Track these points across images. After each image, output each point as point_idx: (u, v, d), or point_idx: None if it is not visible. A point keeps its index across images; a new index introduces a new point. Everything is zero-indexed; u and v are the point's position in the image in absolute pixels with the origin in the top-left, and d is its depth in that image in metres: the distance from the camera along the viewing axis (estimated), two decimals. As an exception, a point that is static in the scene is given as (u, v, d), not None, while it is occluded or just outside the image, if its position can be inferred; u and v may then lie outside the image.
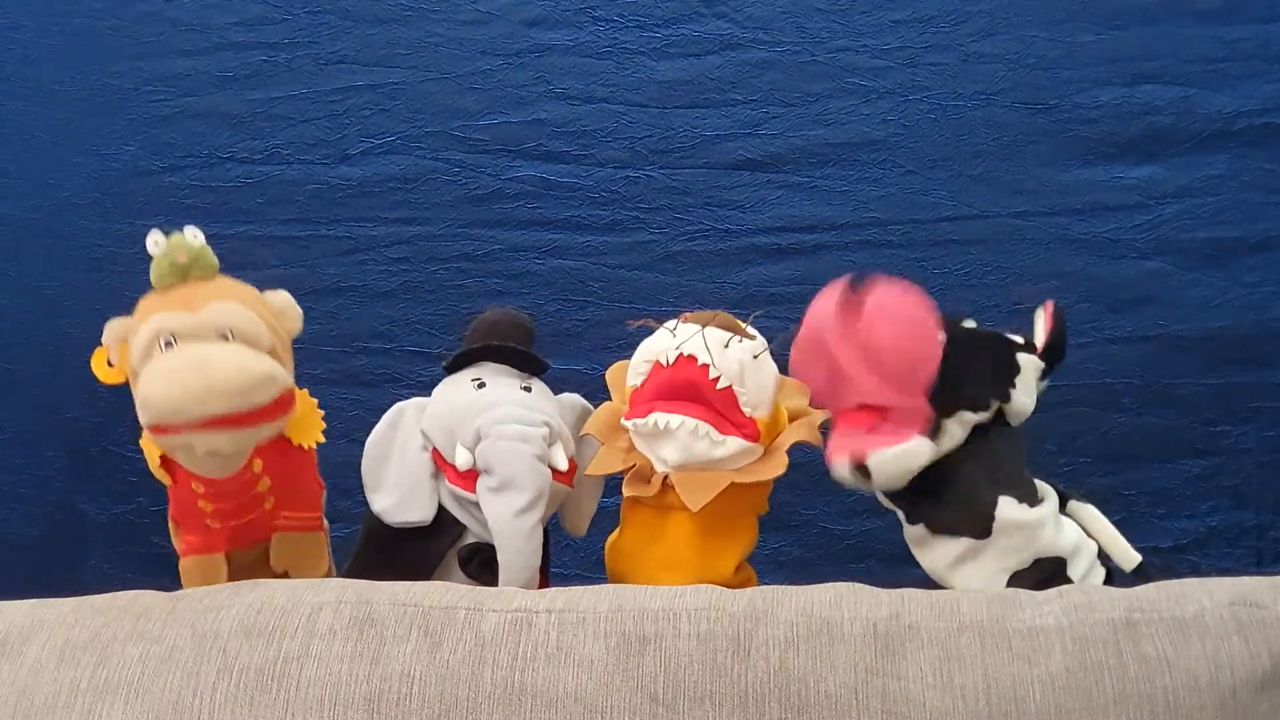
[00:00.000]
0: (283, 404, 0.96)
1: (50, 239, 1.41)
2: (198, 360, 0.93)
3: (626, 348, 1.05)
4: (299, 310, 1.03)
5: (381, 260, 1.39)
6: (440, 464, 1.02)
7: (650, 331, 1.03)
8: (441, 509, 1.02)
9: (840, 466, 0.96)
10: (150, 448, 0.98)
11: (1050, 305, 1.01)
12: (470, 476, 1.00)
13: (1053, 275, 1.35)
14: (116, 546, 1.39)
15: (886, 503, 1.00)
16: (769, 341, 1.03)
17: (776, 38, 1.39)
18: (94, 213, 1.40)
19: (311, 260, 1.37)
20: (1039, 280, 1.35)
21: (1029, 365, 0.99)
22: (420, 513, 1.02)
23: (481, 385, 1.03)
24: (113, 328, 0.98)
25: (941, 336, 0.96)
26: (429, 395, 1.06)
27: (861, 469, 0.95)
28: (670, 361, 0.99)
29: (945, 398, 0.95)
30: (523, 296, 1.38)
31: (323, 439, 1.04)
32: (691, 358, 0.98)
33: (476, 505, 1.00)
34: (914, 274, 1.35)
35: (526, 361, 1.05)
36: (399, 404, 1.06)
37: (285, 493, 1.01)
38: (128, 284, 1.02)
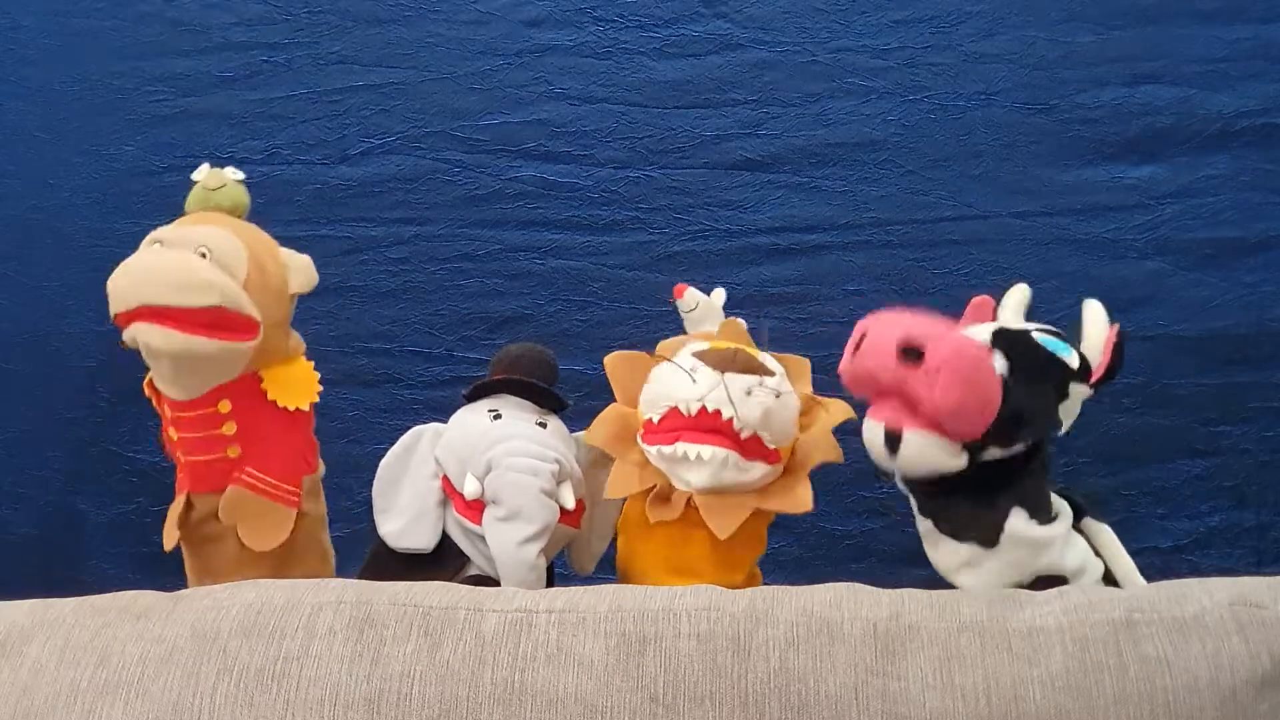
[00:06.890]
0: (224, 324, 0.95)
1: (50, 239, 1.41)
2: (149, 255, 0.96)
3: (626, 348, 1.04)
4: (314, 274, 1.04)
5: (381, 260, 1.39)
6: (449, 492, 1.02)
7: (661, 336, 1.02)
8: (446, 538, 1.02)
9: (874, 430, 0.93)
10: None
11: (1114, 332, 0.96)
12: (477, 507, 1.00)
13: (1053, 275, 1.34)
14: (116, 546, 1.39)
15: (903, 486, 0.99)
16: (767, 342, 1.03)
17: (776, 38, 1.39)
18: (94, 213, 1.40)
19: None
20: (1039, 280, 1.34)
21: (1076, 396, 0.95)
22: (424, 539, 1.01)
23: (497, 417, 1.02)
24: None
25: (1002, 365, 0.91)
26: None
27: (894, 441, 0.92)
28: (692, 413, 0.97)
29: (1003, 436, 0.92)
30: (523, 296, 1.38)
31: (307, 407, 1.03)
32: (716, 412, 0.96)
33: (481, 538, 1.00)
34: (914, 274, 1.36)
35: (545, 398, 1.05)
36: (417, 427, 1.05)
37: (254, 450, 1.00)
38: (128, 284, 1.02)
